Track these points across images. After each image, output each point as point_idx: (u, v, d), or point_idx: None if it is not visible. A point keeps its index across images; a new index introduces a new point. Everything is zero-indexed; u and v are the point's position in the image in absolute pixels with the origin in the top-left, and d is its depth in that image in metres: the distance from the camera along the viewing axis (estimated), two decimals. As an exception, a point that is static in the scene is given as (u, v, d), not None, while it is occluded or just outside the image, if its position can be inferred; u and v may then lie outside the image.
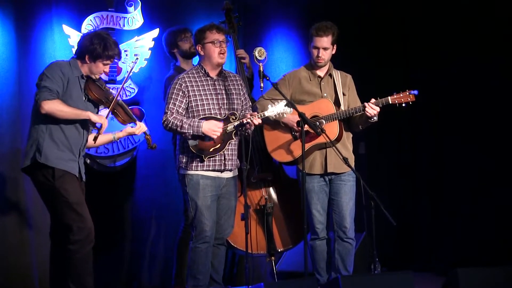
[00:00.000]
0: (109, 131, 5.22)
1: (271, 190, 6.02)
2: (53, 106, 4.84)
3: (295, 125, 5.52)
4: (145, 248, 6.53)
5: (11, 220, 6.09)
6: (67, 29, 6.18)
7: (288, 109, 5.27)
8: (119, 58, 5.20)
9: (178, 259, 6.03)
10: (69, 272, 4.92)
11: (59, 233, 4.99)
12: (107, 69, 5.10)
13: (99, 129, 4.99)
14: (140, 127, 5.23)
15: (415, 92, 5.53)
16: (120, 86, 5.49)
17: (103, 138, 5.24)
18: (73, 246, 4.89)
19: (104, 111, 5.05)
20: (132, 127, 5.26)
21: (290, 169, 5.99)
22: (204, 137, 5.29)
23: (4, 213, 6.06)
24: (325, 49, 5.58)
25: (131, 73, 5.39)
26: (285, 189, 6.03)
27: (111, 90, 5.24)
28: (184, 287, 5.56)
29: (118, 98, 5.07)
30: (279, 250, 5.97)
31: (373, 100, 5.50)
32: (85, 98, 5.05)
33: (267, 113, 5.32)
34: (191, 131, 5.27)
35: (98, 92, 5.06)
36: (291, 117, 5.49)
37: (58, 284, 5.02)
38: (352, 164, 5.53)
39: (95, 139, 5.09)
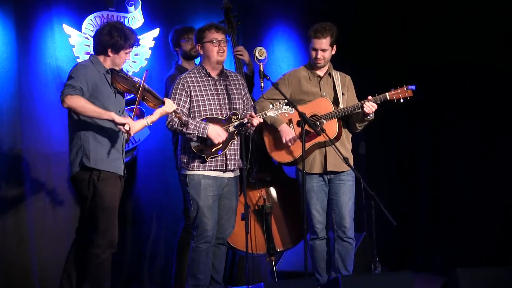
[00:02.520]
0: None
1: (270, 190, 6.01)
2: (75, 101, 4.74)
3: (293, 133, 5.53)
4: (145, 248, 6.53)
5: (11, 220, 6.08)
6: (67, 28, 6.18)
7: (289, 108, 5.28)
8: (138, 44, 5.14)
9: (178, 259, 6.02)
10: (87, 274, 4.94)
11: (85, 232, 5.00)
12: (128, 56, 5.07)
13: (128, 132, 4.84)
14: (171, 105, 5.09)
15: (413, 87, 5.52)
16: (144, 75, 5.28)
17: (137, 125, 4.99)
18: (95, 250, 4.90)
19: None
20: (159, 107, 5.09)
21: (289, 168, 5.99)
22: (207, 140, 5.28)
23: (4, 213, 6.05)
24: (323, 50, 5.57)
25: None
26: (284, 189, 6.02)
27: (134, 78, 5.11)
28: (184, 287, 5.56)
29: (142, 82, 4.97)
30: (279, 250, 5.96)
31: (370, 97, 5.50)
32: (114, 93, 5.00)
33: (268, 114, 5.33)
34: (196, 133, 5.27)
35: (125, 82, 5.00)
36: (286, 128, 5.52)
37: (72, 279, 5.03)
38: (352, 163, 5.53)
39: (126, 141, 5.02)
